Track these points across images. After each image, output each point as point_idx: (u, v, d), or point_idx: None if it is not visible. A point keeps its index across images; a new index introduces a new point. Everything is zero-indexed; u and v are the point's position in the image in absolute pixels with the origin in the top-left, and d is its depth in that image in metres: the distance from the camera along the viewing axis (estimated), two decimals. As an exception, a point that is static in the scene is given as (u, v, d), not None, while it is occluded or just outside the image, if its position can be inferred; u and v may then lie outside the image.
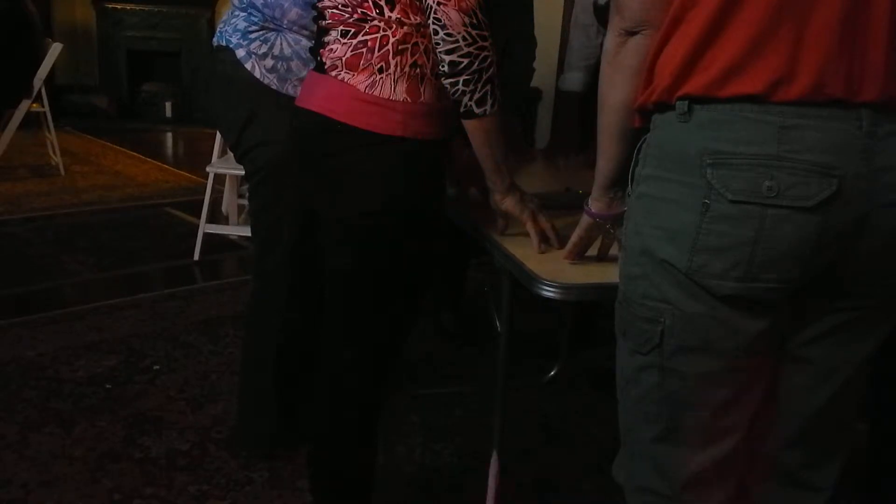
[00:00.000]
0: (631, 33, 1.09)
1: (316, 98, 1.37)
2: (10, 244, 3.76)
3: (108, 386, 2.41)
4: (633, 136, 1.15)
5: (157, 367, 2.55)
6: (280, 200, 1.75)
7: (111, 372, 2.50)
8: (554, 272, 1.31)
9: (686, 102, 1.01)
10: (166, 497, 1.90)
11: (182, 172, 5.23)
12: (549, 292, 1.27)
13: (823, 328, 1.09)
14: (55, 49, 4.81)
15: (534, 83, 3.96)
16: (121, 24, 7.04)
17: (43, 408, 2.26)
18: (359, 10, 1.30)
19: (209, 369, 2.55)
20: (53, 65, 4.84)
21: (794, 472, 1.20)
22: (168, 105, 6.87)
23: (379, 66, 1.30)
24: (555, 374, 2.53)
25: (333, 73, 1.34)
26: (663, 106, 1.05)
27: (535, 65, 2.60)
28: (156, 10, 6.93)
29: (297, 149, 1.44)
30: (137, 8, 6.98)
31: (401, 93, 1.30)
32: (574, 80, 2.62)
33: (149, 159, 5.61)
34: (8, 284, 3.21)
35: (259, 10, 1.72)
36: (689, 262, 1.01)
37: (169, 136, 6.52)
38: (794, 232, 0.96)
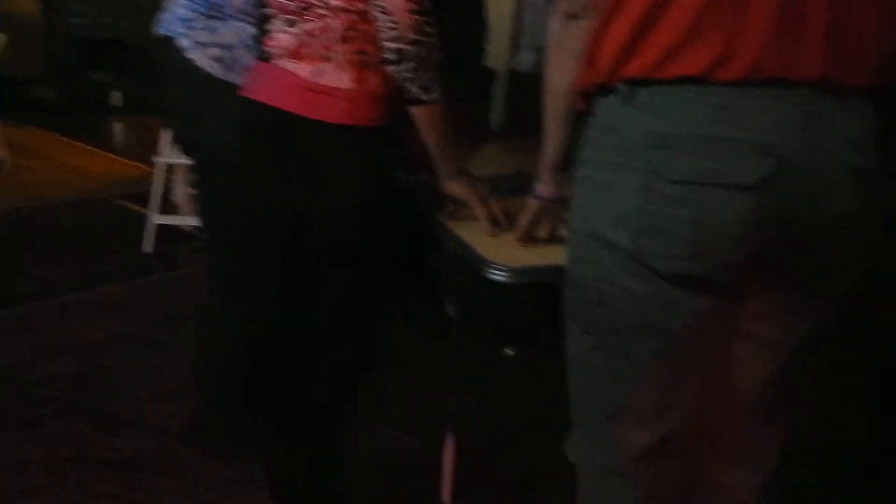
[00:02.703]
0: (574, 17, 1.10)
1: (262, 89, 1.36)
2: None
3: (68, 387, 2.36)
4: (578, 120, 1.16)
5: (115, 365, 2.51)
6: (227, 192, 1.73)
7: (72, 372, 2.45)
8: (504, 255, 1.32)
9: (627, 85, 1.02)
10: (133, 498, 1.88)
11: (133, 163, 5.12)
12: (498, 276, 1.28)
13: (766, 303, 1.11)
14: (0, 40, 4.67)
15: (488, 63, 3.95)
16: (66, 12, 6.85)
17: (5, 410, 2.21)
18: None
19: (171, 364, 2.50)
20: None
21: (741, 445, 1.23)
22: (116, 94, 6.72)
23: (324, 54, 1.29)
24: (513, 350, 2.55)
25: (279, 63, 1.33)
26: (605, 89, 1.06)
27: (489, 46, 2.60)
28: (101, -4, 6.77)
29: (247, 141, 1.42)
30: (82, -6, 6.80)
31: (347, 80, 1.30)
32: (527, 60, 2.63)
33: (99, 151, 5.49)
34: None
35: (202, -2, 1.69)
36: (633, 244, 1.03)
37: (119, 126, 6.38)
38: (735, 211, 0.98)
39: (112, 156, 5.32)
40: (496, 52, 2.95)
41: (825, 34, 0.97)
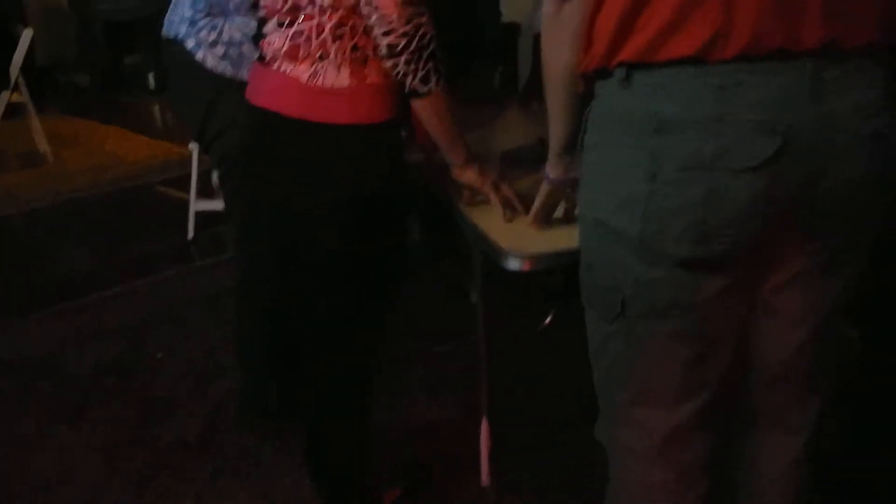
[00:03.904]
0: None
1: (262, 93, 1.35)
2: (10, 239, 3.77)
3: (116, 374, 2.45)
4: (582, 100, 1.13)
5: (163, 352, 2.58)
6: (250, 184, 1.74)
7: (118, 360, 2.54)
8: (519, 242, 1.30)
9: (624, 69, 0.99)
10: (181, 479, 1.95)
11: (170, 146, 5.18)
12: (515, 264, 1.26)
13: (788, 276, 1.08)
14: (27, 35, 4.73)
15: (512, 17, 3.86)
16: (91, -3, 6.88)
17: (55, 401, 2.31)
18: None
19: (214, 346, 2.58)
20: (31, 48, 4.77)
21: (773, 416, 1.21)
22: (151, 76, 6.77)
23: (319, 53, 1.27)
24: (551, 318, 2.55)
25: (275, 66, 1.31)
26: (603, 72, 1.03)
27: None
28: (127, -22, 6.78)
29: (252, 146, 1.42)
30: (108, -22, 6.82)
31: (345, 78, 1.28)
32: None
33: (136, 135, 5.56)
34: (7, 280, 3.23)
35: (203, -4, 1.68)
36: (641, 230, 1.00)
37: (155, 108, 6.44)
38: (744, 192, 0.95)
39: (150, 140, 5.38)
40: (519, 5, 2.89)
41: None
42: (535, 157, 1.67)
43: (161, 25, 1.79)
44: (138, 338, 2.69)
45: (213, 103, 1.70)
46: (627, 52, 0.98)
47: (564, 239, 1.30)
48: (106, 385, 2.39)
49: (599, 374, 1.19)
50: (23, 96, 4.81)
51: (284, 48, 1.30)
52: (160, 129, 5.73)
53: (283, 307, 1.81)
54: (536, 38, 3.08)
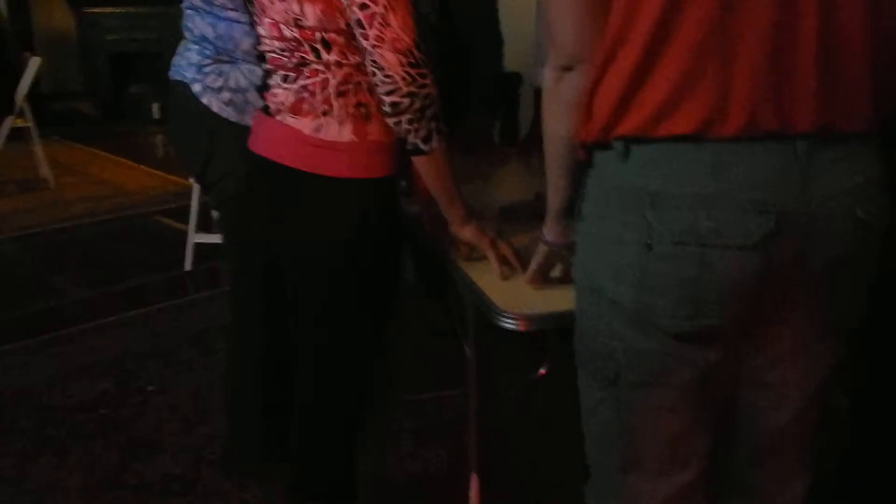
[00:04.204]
0: (566, 69, 1.08)
1: (264, 142, 1.37)
2: (3, 266, 3.77)
3: (101, 411, 2.43)
4: (580, 168, 1.14)
5: (151, 387, 2.57)
6: (246, 230, 1.75)
7: (104, 396, 2.52)
8: (515, 301, 1.31)
9: (622, 143, 1.00)
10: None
11: (171, 177, 5.21)
12: (509, 324, 1.27)
13: (779, 350, 1.09)
14: (34, 63, 4.78)
15: (514, 67, 3.90)
16: (100, 28, 6.99)
17: (38, 437, 2.29)
18: (296, 55, 1.29)
19: (201, 385, 2.57)
20: (37, 74, 4.82)
21: (761, 491, 1.21)
22: (155, 107, 6.83)
23: (323, 109, 1.29)
24: (545, 368, 2.54)
25: (279, 118, 1.33)
26: (602, 144, 1.04)
27: (515, 45, 2.58)
28: (134, 11, 6.89)
29: (250, 192, 1.44)
30: (116, 10, 6.93)
31: (347, 133, 1.30)
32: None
33: (137, 165, 5.60)
34: (1, 308, 3.22)
35: (211, 43, 1.71)
36: (636, 301, 1.01)
37: (157, 138, 6.49)
38: (737, 269, 0.96)
39: (151, 170, 5.42)
40: (521, 54, 2.93)
41: (817, 83, 0.95)
42: (532, 212, 1.68)
43: (165, 57, 1.81)
44: (125, 373, 2.67)
45: (215, 148, 1.72)
46: (626, 127, 0.99)
47: (560, 300, 1.30)
48: (89, 422, 2.37)
49: (590, 438, 1.19)
50: (27, 122, 4.85)
51: (289, 101, 1.32)
52: (161, 160, 5.77)
53: (273, 349, 1.81)
54: (537, 92, 3.13)
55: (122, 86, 7.14)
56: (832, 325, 1.09)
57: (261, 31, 1.35)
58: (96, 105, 6.99)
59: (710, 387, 1.07)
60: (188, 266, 3.65)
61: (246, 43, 1.68)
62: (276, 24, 1.30)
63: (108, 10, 6.94)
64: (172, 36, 1.88)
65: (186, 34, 1.77)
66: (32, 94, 4.91)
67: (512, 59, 3.19)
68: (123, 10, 6.93)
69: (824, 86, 0.95)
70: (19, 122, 4.80)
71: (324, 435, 1.57)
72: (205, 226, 3.76)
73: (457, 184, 1.38)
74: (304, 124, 1.31)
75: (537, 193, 1.95)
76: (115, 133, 6.50)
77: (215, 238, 3.80)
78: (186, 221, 3.68)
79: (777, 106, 0.94)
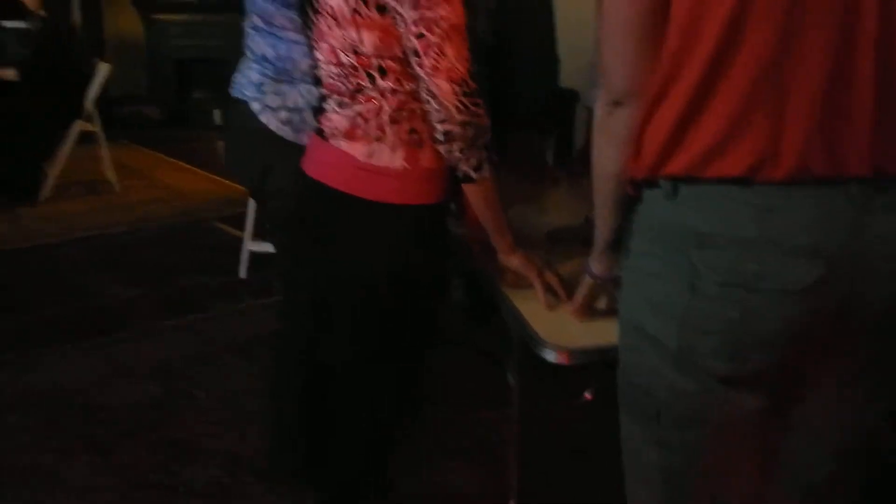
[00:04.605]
0: (617, 104, 1.08)
1: (317, 165, 1.40)
2: (62, 266, 3.88)
3: (144, 413, 2.49)
4: (628, 202, 1.14)
5: (195, 392, 2.63)
6: (297, 249, 1.78)
7: (148, 398, 2.58)
8: (560, 333, 1.31)
9: (670, 182, 1.00)
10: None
11: (231, 183, 5.31)
12: (552, 356, 1.27)
13: (824, 395, 1.07)
14: (103, 69, 4.94)
15: (571, 84, 3.88)
16: (167, 34, 7.18)
17: (79, 435, 2.35)
18: (353, 81, 1.32)
19: (245, 393, 2.61)
20: (105, 79, 4.98)
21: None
22: (216, 113, 6.98)
23: (376, 135, 1.31)
24: (590, 393, 2.52)
25: (333, 142, 1.36)
26: (650, 181, 1.04)
27: (573, 62, 2.57)
28: (200, 18, 7.06)
29: (301, 213, 1.46)
30: (183, 18, 7.11)
31: (399, 160, 1.32)
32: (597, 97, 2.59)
33: (198, 170, 5.72)
34: (54, 308, 3.32)
35: (271, 63, 1.75)
36: (678, 341, 1.01)
37: (219, 144, 6.60)
38: (783, 315, 0.95)
39: (212, 175, 5.53)
40: (578, 70, 2.92)
41: (872, 126, 0.93)
42: (581, 238, 1.68)
43: (228, 64, 1.84)
44: (170, 377, 2.73)
45: (270, 166, 1.76)
46: (674, 167, 0.99)
47: (605, 333, 1.30)
48: (130, 422, 2.43)
49: (629, 474, 1.18)
50: (94, 126, 5.01)
51: (343, 126, 1.34)
52: (221, 166, 5.87)
53: (317, 366, 1.84)
54: (590, 112, 3.11)
55: (185, 91, 7.33)
56: (885, 370, 1.06)
57: (318, 55, 1.38)
58: (161, 110, 7.18)
59: (753, 429, 1.06)
60: (243, 274, 3.71)
61: (304, 63, 1.71)
62: (333, 50, 1.33)
63: (175, 17, 7.13)
64: (236, 43, 1.92)
65: (248, 53, 1.82)
66: (101, 99, 5.07)
67: (569, 75, 3.18)
68: (190, 18, 7.10)
69: (880, 130, 0.93)
70: (87, 127, 4.96)
71: (360, 452, 1.58)
72: (260, 234, 3.83)
73: (505, 211, 1.39)
74: (357, 149, 1.33)
75: (586, 218, 1.94)
76: (178, 138, 6.65)
77: (270, 247, 3.86)
78: (244, 228, 3.74)
79: (830, 150, 0.93)
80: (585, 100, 2.73)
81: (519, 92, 2.39)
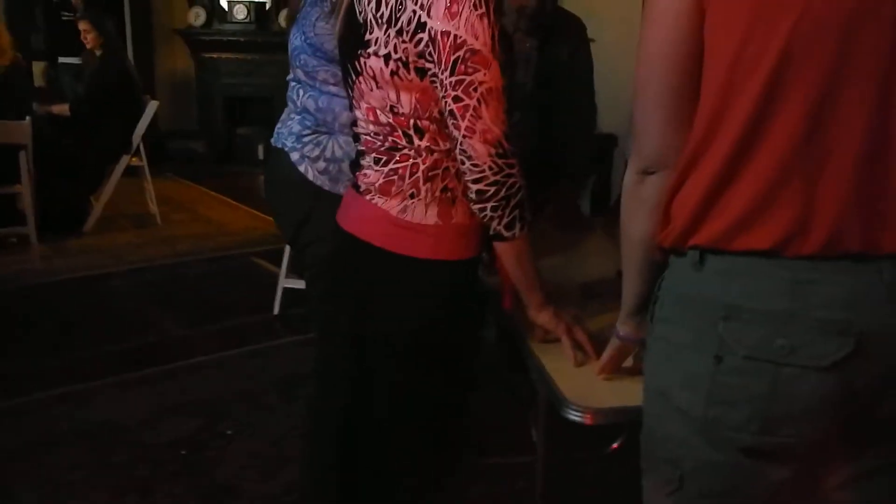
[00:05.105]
0: (648, 172, 1.09)
1: (352, 219, 1.43)
2: (108, 299, 4.00)
3: (185, 452, 2.53)
4: (658, 267, 1.15)
5: (233, 432, 2.66)
6: (330, 301, 1.81)
7: (190, 437, 2.63)
8: (584, 392, 1.31)
9: (698, 252, 1.00)
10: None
11: (270, 219, 5.40)
12: (576, 416, 1.27)
13: (854, 473, 1.05)
14: (152, 106, 5.09)
15: (610, 129, 3.90)
16: (217, 72, 7.40)
17: (128, 475, 2.40)
18: (389, 139, 1.35)
19: (282, 432, 2.64)
20: (156, 113, 5.14)
21: None
22: (261, 147, 7.14)
23: (410, 192, 1.34)
24: (620, 443, 2.50)
25: (367, 197, 1.39)
26: (678, 250, 1.05)
27: (612, 108, 2.58)
28: (249, 58, 7.27)
29: (336, 266, 1.49)
30: (233, 57, 7.33)
31: (432, 216, 1.34)
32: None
33: (241, 205, 5.84)
34: (105, 341, 3.41)
35: (312, 115, 1.80)
36: (704, 412, 1.00)
37: (261, 179, 6.76)
38: (811, 390, 0.94)
39: (253, 211, 5.64)
40: (619, 115, 2.94)
41: None
42: (613, 292, 1.68)
43: (275, 101, 1.89)
44: (213, 415, 2.78)
45: (308, 216, 1.80)
46: (702, 237, 0.99)
47: (631, 394, 1.30)
48: (175, 462, 2.48)
49: (652, 541, 1.17)
50: (141, 160, 5.15)
51: (378, 183, 1.37)
52: (263, 201, 5.98)
53: (352, 413, 1.86)
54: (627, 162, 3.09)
55: (233, 127, 7.52)
56: None
57: (357, 114, 1.42)
58: (209, 145, 7.36)
59: (779, 502, 1.05)
60: (276, 310, 3.76)
61: (344, 116, 1.76)
62: (372, 110, 1.37)
63: (225, 55, 7.34)
64: (282, 82, 1.98)
65: (290, 105, 1.87)
66: (151, 134, 5.23)
67: (607, 121, 3.19)
68: (239, 57, 7.32)
69: None
70: (134, 161, 5.11)
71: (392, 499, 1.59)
72: (296, 271, 3.88)
73: (538, 263, 1.40)
74: (391, 205, 1.36)
75: (619, 272, 1.95)
76: (223, 173, 6.82)
77: (303, 284, 3.91)
78: (280, 265, 3.81)
79: (863, 227, 0.93)
80: (625, 146, 2.74)
81: (558, 140, 2.41)
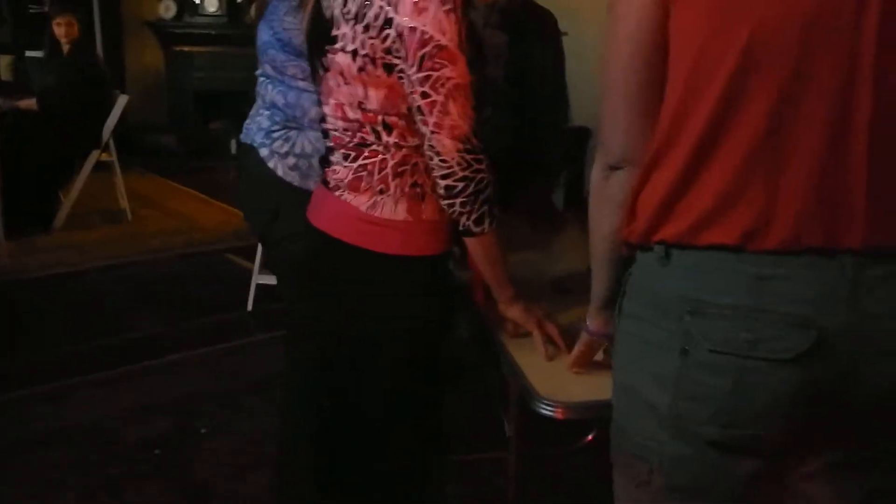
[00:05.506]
0: (613, 169, 1.10)
1: (322, 216, 1.42)
2: (79, 297, 3.95)
3: (158, 451, 2.50)
4: (625, 262, 1.15)
5: (207, 430, 2.64)
6: (301, 297, 1.80)
7: (163, 436, 2.60)
8: (556, 387, 1.32)
9: (663, 247, 1.01)
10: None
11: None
12: (547, 411, 1.28)
13: (821, 464, 1.05)
14: (122, 100, 5.03)
15: (583, 122, 3.90)
16: (189, 66, 7.31)
17: (100, 475, 2.37)
18: (358, 135, 1.35)
19: (260, 432, 2.61)
20: (126, 107, 5.07)
21: None
22: (233, 142, 7.07)
23: (379, 188, 1.34)
24: (593, 436, 2.52)
25: (337, 193, 1.38)
26: (643, 246, 1.05)
27: (584, 98, 2.59)
28: (221, 51, 7.18)
29: (306, 263, 1.49)
30: (204, 50, 7.24)
31: (402, 212, 1.34)
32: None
33: (213, 200, 5.78)
34: (77, 340, 3.37)
35: (281, 110, 1.78)
36: (671, 405, 1.01)
37: (233, 174, 6.69)
38: (775, 384, 0.95)
39: (224, 206, 5.58)
40: (590, 108, 2.94)
41: (867, 202, 0.93)
42: (585, 287, 1.69)
43: (248, 96, 1.87)
44: (186, 414, 2.75)
45: (277, 211, 1.79)
46: (667, 233, 1.00)
47: (602, 388, 1.30)
48: (147, 462, 2.45)
49: (622, 537, 1.18)
50: (111, 156, 5.08)
51: (347, 179, 1.37)
52: (235, 196, 5.92)
53: (324, 414, 1.85)
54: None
55: (204, 122, 7.44)
56: (881, 450, 1.05)
57: (326, 110, 1.41)
58: (180, 140, 7.28)
59: (746, 497, 1.05)
60: (250, 307, 3.74)
61: (314, 111, 1.74)
62: (340, 106, 1.36)
63: (197, 48, 7.26)
64: (254, 76, 1.96)
65: (259, 100, 1.86)
66: (120, 128, 5.16)
67: (580, 113, 3.19)
68: (210, 50, 7.23)
69: (875, 204, 0.94)
70: (104, 157, 5.04)
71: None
72: (269, 266, 3.84)
73: (509, 260, 1.41)
74: (361, 201, 1.35)
75: (589, 267, 1.95)
76: (195, 168, 6.74)
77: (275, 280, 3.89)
78: (253, 261, 3.78)
79: (824, 222, 0.94)
80: (598, 139, 2.75)
81: (531, 136, 2.41)
